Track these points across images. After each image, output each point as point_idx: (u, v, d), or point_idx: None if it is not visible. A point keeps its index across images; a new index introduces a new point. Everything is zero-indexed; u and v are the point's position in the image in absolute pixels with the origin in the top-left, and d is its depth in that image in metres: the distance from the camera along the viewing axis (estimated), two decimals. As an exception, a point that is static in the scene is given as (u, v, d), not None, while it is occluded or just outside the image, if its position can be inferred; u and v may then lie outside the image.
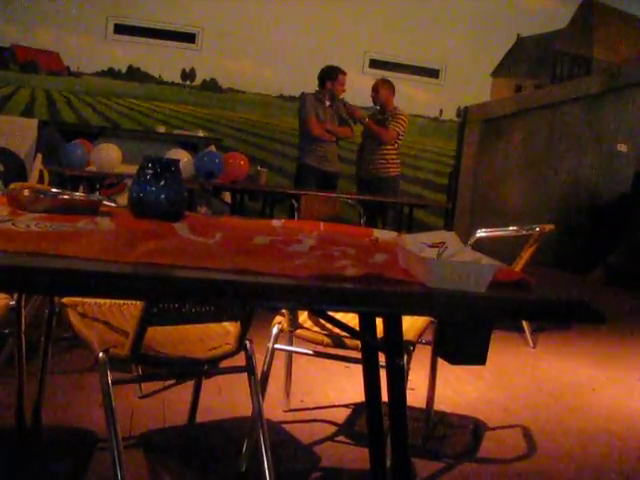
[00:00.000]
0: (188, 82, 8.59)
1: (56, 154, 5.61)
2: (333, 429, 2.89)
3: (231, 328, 2.24)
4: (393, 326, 1.71)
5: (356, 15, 8.73)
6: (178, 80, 8.57)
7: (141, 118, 8.62)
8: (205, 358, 2.14)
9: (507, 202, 8.64)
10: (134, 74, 8.45)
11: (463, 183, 8.57)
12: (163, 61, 8.45)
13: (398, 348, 1.73)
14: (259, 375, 2.31)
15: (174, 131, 7.97)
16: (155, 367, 2.58)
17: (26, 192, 1.96)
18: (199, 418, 2.74)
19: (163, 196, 1.87)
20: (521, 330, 4.60)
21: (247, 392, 2.21)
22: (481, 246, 2.86)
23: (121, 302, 2.34)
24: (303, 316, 2.57)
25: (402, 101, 6.81)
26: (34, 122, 7.25)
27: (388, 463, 1.96)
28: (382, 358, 1.79)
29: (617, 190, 8.57)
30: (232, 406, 2.95)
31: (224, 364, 2.30)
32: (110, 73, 8.38)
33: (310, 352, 2.65)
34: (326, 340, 2.47)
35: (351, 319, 2.28)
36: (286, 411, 3.01)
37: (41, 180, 4.91)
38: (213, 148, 6.75)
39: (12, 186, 2.48)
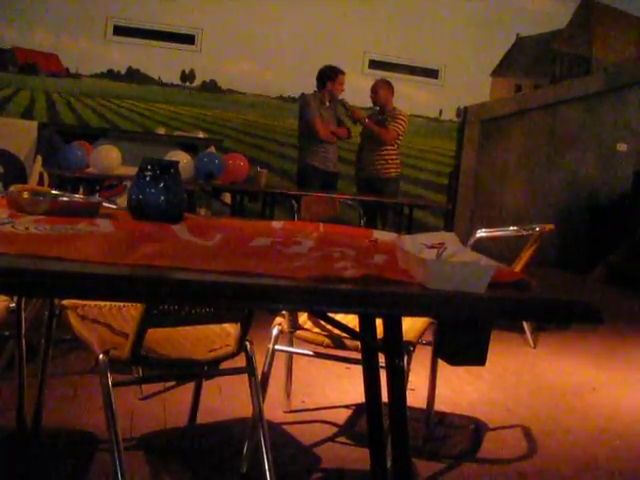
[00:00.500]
0: (188, 83, 8.59)
1: (56, 156, 5.60)
2: (333, 430, 2.89)
3: (231, 329, 2.24)
4: (393, 327, 1.71)
5: (355, 16, 8.73)
6: (178, 81, 8.57)
7: (141, 120, 8.63)
8: (205, 359, 2.14)
9: (507, 202, 8.64)
10: (134, 76, 8.45)
11: (463, 183, 8.57)
12: (163, 62, 8.45)
13: (398, 349, 1.73)
14: (259, 376, 2.31)
15: (174, 132, 7.97)
16: (155, 369, 2.58)
17: (26, 194, 1.96)
18: (200, 419, 2.74)
19: (162, 198, 1.87)
20: (521, 330, 4.60)
21: (247, 393, 2.21)
22: (481, 246, 2.86)
23: (121, 304, 2.34)
24: (303, 317, 2.57)
25: (402, 101, 6.81)
26: (34, 124, 7.25)
27: (388, 464, 1.96)
28: (382, 359, 1.79)
29: (617, 189, 8.57)
30: (233, 407, 2.95)
31: (224, 365, 2.30)
32: (110, 75, 8.38)
33: (310, 353, 2.65)
34: (326, 341, 2.47)
35: (351, 320, 2.28)
36: (286, 412, 3.01)
37: (41, 182, 4.92)
38: (213, 149, 6.75)
39: (12, 188, 2.48)
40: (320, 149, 6.18)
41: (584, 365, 4.29)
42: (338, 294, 1.28)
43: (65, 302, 2.27)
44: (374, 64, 8.82)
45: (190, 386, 2.81)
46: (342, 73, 6.25)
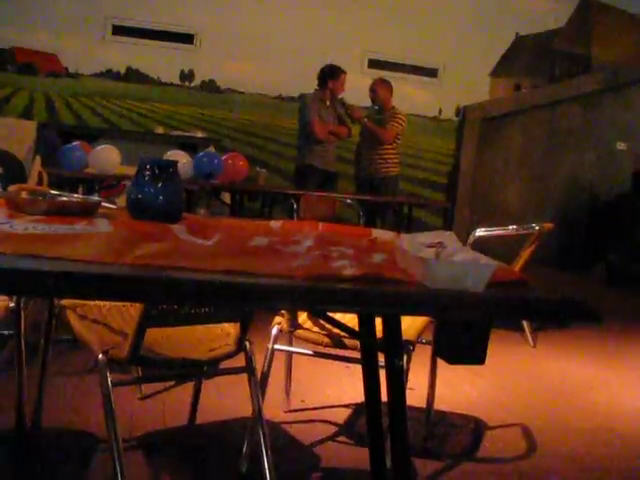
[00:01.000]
0: (187, 83, 8.58)
1: (55, 156, 5.60)
2: (333, 429, 2.89)
3: (231, 329, 2.24)
4: (392, 326, 1.71)
5: (354, 15, 8.72)
6: (177, 81, 8.57)
7: (140, 119, 8.62)
8: (205, 359, 2.14)
9: (506, 201, 8.65)
10: (133, 75, 8.44)
11: (462, 182, 8.58)
12: (162, 62, 8.44)
13: (397, 348, 1.73)
14: (259, 376, 2.31)
15: (173, 132, 7.97)
16: (155, 368, 2.58)
17: (24, 194, 1.96)
18: (199, 419, 2.74)
19: (161, 198, 1.87)
20: (521, 329, 4.60)
21: (247, 393, 2.21)
22: (480, 245, 2.86)
23: (121, 304, 2.34)
24: (302, 316, 2.57)
25: (401, 101, 6.81)
26: (33, 124, 7.26)
27: (388, 463, 1.96)
28: (382, 358, 1.79)
29: (616, 188, 8.57)
30: (232, 407, 2.95)
31: (224, 365, 2.30)
32: (109, 74, 8.38)
33: (310, 352, 2.65)
34: (326, 340, 2.47)
35: (350, 319, 2.27)
36: (286, 411, 3.01)
37: (40, 182, 4.91)
38: (212, 149, 6.75)
39: (11, 188, 2.48)
40: (319, 149, 6.19)
41: (583, 364, 4.29)
42: (337, 293, 1.28)
43: (64, 302, 2.27)
44: (373, 63, 8.82)
45: (190, 386, 2.81)
46: (344, 73, 6.26)
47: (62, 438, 2.58)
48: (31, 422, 2.50)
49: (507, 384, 3.76)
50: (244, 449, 2.41)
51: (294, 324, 2.53)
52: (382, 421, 1.95)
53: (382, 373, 1.76)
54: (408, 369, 2.45)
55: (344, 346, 2.44)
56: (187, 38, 8.42)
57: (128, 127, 8.41)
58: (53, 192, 2.23)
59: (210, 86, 8.63)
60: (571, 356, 4.43)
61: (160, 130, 7.93)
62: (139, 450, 2.54)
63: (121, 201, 4.54)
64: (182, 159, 5.11)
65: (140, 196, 1.87)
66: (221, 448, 2.65)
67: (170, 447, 2.62)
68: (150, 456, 2.51)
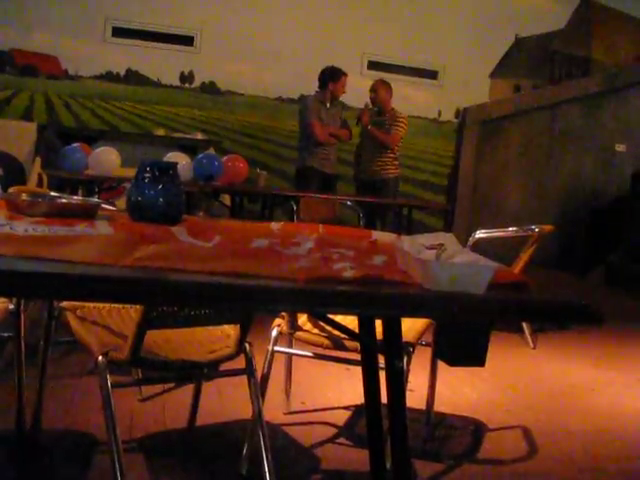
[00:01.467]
0: (187, 85, 8.59)
1: (55, 158, 5.61)
2: (333, 431, 2.89)
3: (231, 331, 2.24)
4: (392, 328, 1.71)
5: (354, 17, 8.73)
6: (177, 83, 8.57)
7: (140, 121, 8.62)
8: (205, 361, 2.14)
9: (506, 203, 8.64)
10: (132, 77, 8.44)
11: (462, 184, 8.57)
12: (161, 64, 8.45)
13: (397, 350, 1.72)
14: (259, 378, 2.31)
15: (173, 134, 7.97)
16: (155, 370, 2.58)
17: (24, 196, 1.96)
18: (199, 421, 2.74)
19: (161, 199, 1.87)
20: (521, 331, 4.60)
21: (247, 395, 2.21)
22: (480, 247, 2.86)
23: (120, 306, 2.33)
24: (302, 318, 2.57)
25: (401, 103, 6.82)
26: (33, 126, 7.26)
27: (388, 465, 1.95)
28: (382, 360, 1.79)
29: (616, 190, 8.57)
30: (232, 409, 2.95)
31: (224, 367, 2.30)
32: (109, 76, 8.38)
33: (310, 354, 2.65)
34: (326, 342, 2.47)
35: (351, 321, 2.27)
36: (286, 413, 3.01)
37: (40, 184, 4.91)
38: (212, 151, 6.75)
39: (11, 190, 2.48)
40: (319, 151, 6.19)
41: (584, 366, 4.29)
42: (337, 295, 1.28)
43: (64, 304, 2.27)
44: (373, 65, 8.82)
45: (190, 388, 2.81)
46: (344, 75, 6.26)
47: (62, 440, 2.58)
48: (31, 424, 2.49)
49: (507, 386, 3.76)
50: (244, 451, 2.41)
51: (294, 326, 2.53)
52: (382, 423, 1.95)
53: (382, 375, 1.76)
54: (408, 371, 2.44)
55: (344, 348, 2.44)
56: (187, 40, 8.43)
57: (128, 129, 8.41)
58: (53, 194, 2.23)
59: (210, 88, 8.63)
60: (571, 358, 4.43)
61: (160, 132, 7.93)
62: (139, 452, 2.53)
63: (121, 203, 4.54)
64: (182, 161, 5.11)
65: (140, 198, 1.87)
66: (221, 450, 2.65)
67: (170, 449, 2.62)
68: (150, 458, 2.50)
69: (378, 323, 1.85)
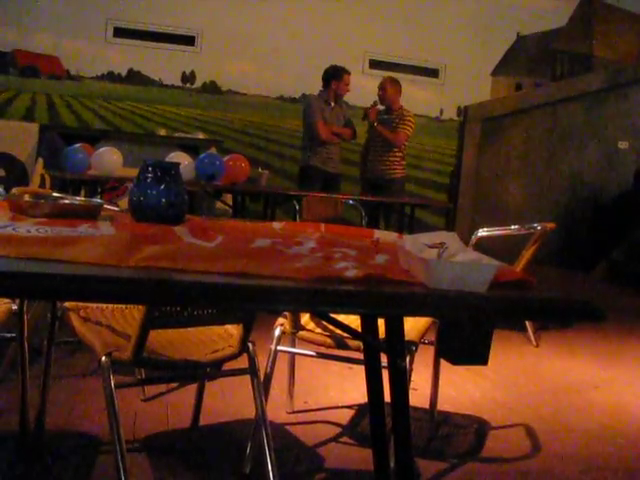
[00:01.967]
0: (188, 85, 8.60)
1: (57, 158, 5.61)
2: (336, 430, 2.89)
3: (233, 330, 2.24)
4: (395, 327, 1.71)
5: (356, 16, 8.73)
6: (178, 83, 8.58)
7: (142, 121, 8.63)
8: (208, 361, 2.14)
9: (508, 201, 8.64)
10: (134, 77, 8.45)
11: (464, 182, 8.58)
12: (163, 64, 8.45)
13: (400, 349, 1.72)
14: (262, 377, 2.31)
15: (175, 134, 7.98)
16: (158, 370, 2.58)
17: (27, 197, 1.96)
18: (202, 421, 2.74)
19: (164, 200, 1.87)
20: (524, 329, 4.60)
21: (250, 394, 2.21)
22: (482, 245, 2.86)
23: (123, 306, 2.34)
24: (305, 318, 2.57)
25: (403, 101, 6.81)
26: (35, 126, 7.27)
27: (392, 464, 1.96)
28: (385, 359, 1.79)
29: (618, 187, 8.57)
30: (235, 408, 2.95)
31: (227, 366, 2.30)
32: (110, 77, 8.39)
33: (313, 354, 2.65)
34: (328, 341, 2.47)
35: (353, 320, 2.27)
36: (289, 413, 3.01)
37: (42, 184, 4.92)
38: (214, 150, 6.75)
39: (13, 191, 2.49)
40: (322, 150, 6.18)
41: (587, 363, 4.28)
42: (340, 295, 1.28)
43: (67, 304, 2.27)
44: (375, 64, 8.82)
45: (193, 387, 2.82)
46: (347, 73, 6.24)
47: (65, 440, 2.58)
48: (34, 424, 2.50)
49: (510, 384, 3.76)
50: (247, 450, 2.41)
51: (297, 325, 2.53)
52: (385, 422, 1.95)
53: (385, 374, 1.76)
54: (411, 370, 2.44)
55: (347, 347, 2.44)
56: (188, 40, 8.44)
57: (130, 129, 8.42)
58: (55, 194, 2.23)
59: (211, 88, 8.64)
60: (574, 356, 4.43)
61: (162, 132, 7.94)
62: (142, 452, 2.54)
63: (123, 203, 4.55)
64: (184, 161, 5.12)
65: (142, 198, 1.88)
66: (224, 449, 2.65)
67: (173, 449, 2.62)
68: (153, 457, 2.51)
69: (381, 322, 1.85)
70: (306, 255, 1.55)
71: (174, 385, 3.12)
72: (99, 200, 2.68)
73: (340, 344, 2.45)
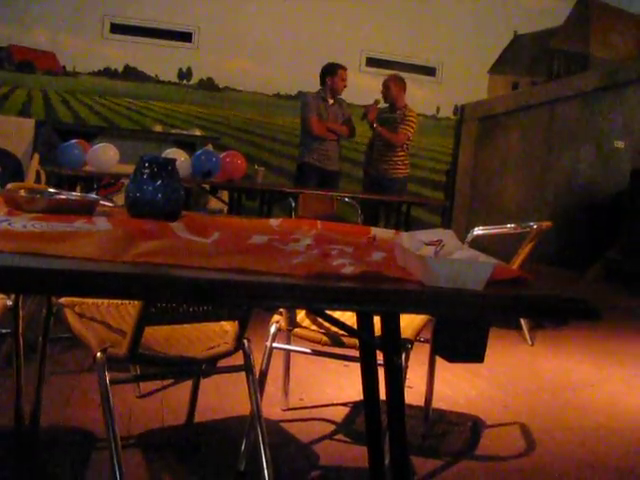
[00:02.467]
0: (185, 81, 8.58)
1: (53, 154, 5.59)
2: (331, 427, 2.89)
3: (229, 327, 2.24)
4: (391, 324, 1.71)
5: (352, 14, 8.72)
6: (175, 79, 8.56)
7: (138, 117, 8.61)
8: (203, 357, 2.14)
9: (505, 199, 8.65)
10: (131, 73, 8.43)
11: (461, 181, 8.57)
12: (160, 60, 8.43)
13: (396, 346, 1.73)
14: (257, 374, 2.31)
15: (171, 130, 7.97)
16: (153, 366, 2.58)
17: (23, 192, 1.96)
18: (197, 417, 2.74)
19: (160, 196, 1.86)
20: (519, 327, 4.61)
21: (245, 391, 2.21)
22: (479, 243, 2.86)
23: (119, 302, 2.33)
24: (301, 315, 2.57)
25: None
26: (31, 122, 7.25)
27: (387, 461, 1.96)
28: (380, 356, 1.79)
29: (614, 186, 8.58)
30: (230, 405, 2.95)
31: (222, 363, 2.30)
32: (106, 73, 8.37)
33: (308, 351, 2.65)
34: (324, 339, 2.47)
35: (349, 317, 2.28)
36: (284, 410, 3.01)
37: (38, 180, 4.90)
38: (210, 147, 6.74)
39: (9, 186, 2.48)
40: (319, 147, 6.15)
41: (582, 362, 4.29)
42: (336, 291, 1.28)
43: (62, 300, 2.27)
44: (371, 62, 8.82)
45: (188, 384, 2.81)
46: (342, 68, 6.18)
47: (60, 436, 2.58)
48: (29, 420, 2.49)
49: (505, 382, 3.76)
50: (242, 447, 2.41)
51: (292, 322, 2.53)
52: (381, 419, 1.95)
53: (381, 371, 1.76)
54: (407, 367, 2.44)
55: (342, 344, 2.44)
56: (185, 36, 8.42)
57: (126, 125, 8.40)
58: (51, 190, 2.22)
59: (208, 84, 8.62)
60: (569, 354, 4.44)
61: (158, 128, 7.92)
62: (137, 448, 2.54)
63: (119, 199, 4.54)
64: (180, 157, 5.10)
65: (139, 194, 1.87)
66: (219, 446, 2.65)
67: (168, 445, 2.62)
68: (148, 454, 2.51)
69: (376, 319, 1.85)
70: (303, 252, 1.55)
71: (169, 382, 3.12)
72: (95, 196, 2.68)
73: (336, 341, 2.45)
